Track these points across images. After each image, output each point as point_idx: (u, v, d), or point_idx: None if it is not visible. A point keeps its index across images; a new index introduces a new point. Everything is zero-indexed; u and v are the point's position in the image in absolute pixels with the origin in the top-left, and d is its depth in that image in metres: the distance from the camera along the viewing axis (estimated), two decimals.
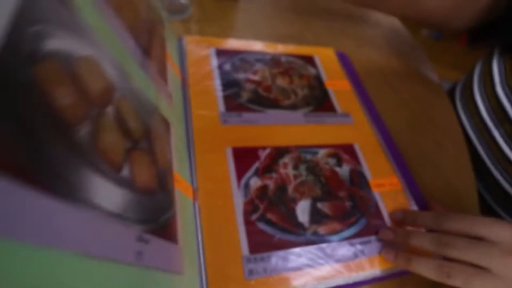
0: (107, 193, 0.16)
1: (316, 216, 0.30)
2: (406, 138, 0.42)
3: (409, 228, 0.32)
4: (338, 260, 0.28)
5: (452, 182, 0.39)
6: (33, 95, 0.12)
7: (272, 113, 0.38)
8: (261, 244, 0.27)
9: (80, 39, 0.17)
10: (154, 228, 0.20)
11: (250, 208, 0.29)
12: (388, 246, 0.30)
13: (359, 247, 0.30)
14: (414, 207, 0.34)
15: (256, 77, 0.41)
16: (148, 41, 0.29)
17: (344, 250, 0.29)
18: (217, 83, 0.38)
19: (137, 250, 0.17)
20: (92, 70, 0.18)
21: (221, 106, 0.36)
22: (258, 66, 0.42)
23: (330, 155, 0.35)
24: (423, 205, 0.35)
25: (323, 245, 0.29)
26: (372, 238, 0.30)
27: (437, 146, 0.43)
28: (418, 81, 0.52)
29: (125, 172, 0.18)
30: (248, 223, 0.28)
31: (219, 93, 0.37)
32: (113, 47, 0.21)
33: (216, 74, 0.39)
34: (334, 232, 0.30)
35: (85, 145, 0.15)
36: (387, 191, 0.34)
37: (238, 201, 0.29)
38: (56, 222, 0.12)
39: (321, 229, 0.30)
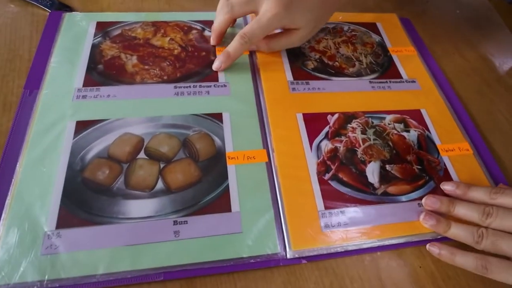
0: (140, 208, 0.27)
1: (386, 177, 0.32)
2: (476, 105, 0.41)
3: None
4: (406, 219, 0.30)
5: None
6: (85, 184, 0.28)
7: (338, 80, 0.39)
8: (334, 201, 0.30)
9: (110, 133, 0.31)
10: (193, 210, 0.28)
11: (322, 168, 0.31)
12: (429, 212, 0.30)
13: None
14: (486, 173, 0.34)
15: (320, 47, 0.42)
16: (181, 62, 0.37)
17: (413, 210, 0.30)
18: (283, 54, 0.40)
19: (174, 230, 0.27)
20: (120, 144, 0.30)
21: (288, 76, 0.38)
22: (321, 35, 0.43)
23: (397, 121, 0.36)
24: (496, 171, 0.35)
25: (393, 205, 0.30)
26: None
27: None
28: (492, 48, 0.48)
29: (159, 186, 0.29)
30: (322, 181, 0.31)
31: (286, 63, 0.39)
32: (139, 110, 0.33)
33: None
34: (403, 193, 0.31)
35: (120, 190, 0.28)
36: (457, 155, 0.34)
37: (311, 162, 0.32)
38: (102, 236, 0.26)
39: (391, 190, 0.31)
